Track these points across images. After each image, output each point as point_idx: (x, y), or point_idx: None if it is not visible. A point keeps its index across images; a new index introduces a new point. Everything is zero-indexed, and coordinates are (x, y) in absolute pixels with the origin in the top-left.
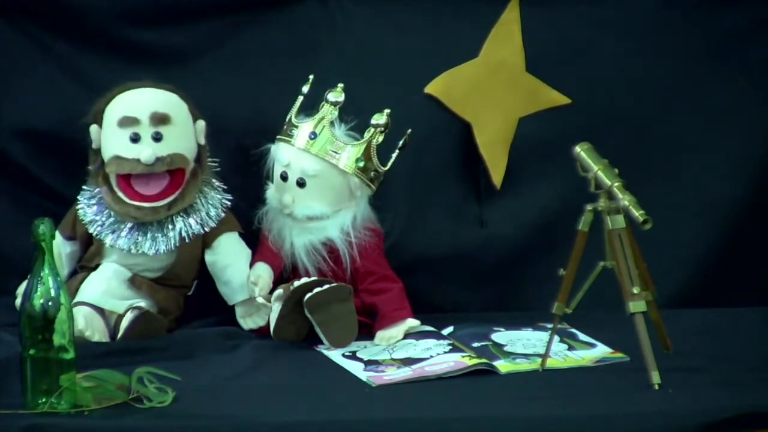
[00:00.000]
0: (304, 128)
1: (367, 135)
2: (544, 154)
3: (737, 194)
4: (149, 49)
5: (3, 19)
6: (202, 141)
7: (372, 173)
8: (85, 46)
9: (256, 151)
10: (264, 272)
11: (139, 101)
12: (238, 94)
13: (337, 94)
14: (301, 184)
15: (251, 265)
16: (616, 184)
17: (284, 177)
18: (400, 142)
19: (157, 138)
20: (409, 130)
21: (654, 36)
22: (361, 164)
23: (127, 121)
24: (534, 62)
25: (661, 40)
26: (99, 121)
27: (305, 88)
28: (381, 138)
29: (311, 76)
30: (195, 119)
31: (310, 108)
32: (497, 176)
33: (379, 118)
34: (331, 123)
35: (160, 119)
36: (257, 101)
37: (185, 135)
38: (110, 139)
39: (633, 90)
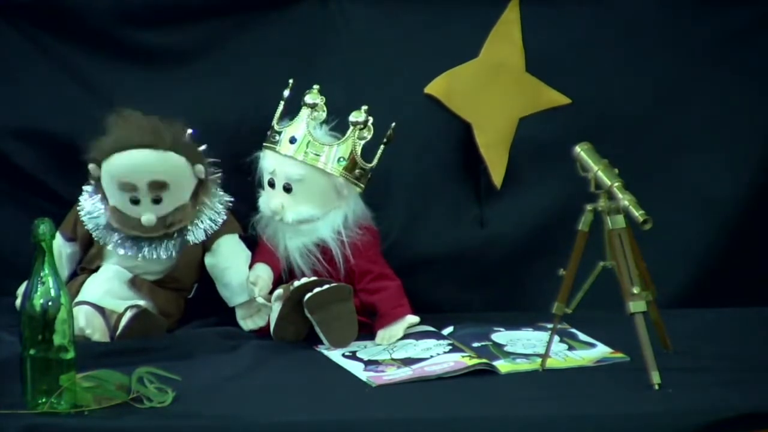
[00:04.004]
0: (285, 133)
1: (347, 133)
2: (544, 154)
3: (737, 194)
4: (150, 49)
5: (3, 20)
6: (202, 177)
7: (357, 171)
8: (86, 47)
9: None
10: (263, 273)
11: (136, 169)
12: (238, 95)
13: (313, 96)
14: (287, 189)
15: (251, 266)
16: (616, 184)
17: (272, 184)
18: (385, 138)
19: (157, 200)
20: (393, 124)
21: (654, 36)
22: (344, 163)
23: (125, 187)
24: (534, 62)
25: (661, 40)
26: (98, 164)
27: (286, 92)
28: (368, 135)
29: (291, 81)
30: (194, 164)
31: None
32: (497, 176)
33: (358, 116)
34: (310, 125)
35: (158, 186)
36: (257, 102)
37: (184, 190)
38: (110, 191)
39: (633, 90)
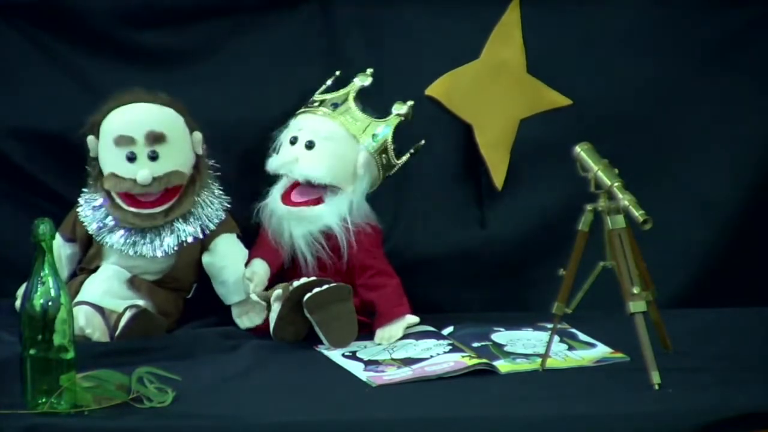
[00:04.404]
0: (327, 100)
1: (389, 117)
2: (544, 155)
3: (737, 194)
4: (149, 50)
5: (3, 20)
6: (200, 152)
7: (383, 157)
8: (86, 48)
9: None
10: (260, 269)
11: (134, 119)
12: (237, 96)
13: (364, 78)
14: (309, 146)
15: (249, 260)
16: (616, 184)
17: (293, 141)
18: (413, 149)
19: (153, 157)
20: (423, 141)
21: (654, 36)
22: (377, 142)
23: (122, 141)
24: (535, 63)
25: (661, 40)
26: (96, 133)
27: (329, 81)
28: (392, 155)
29: (338, 72)
30: (191, 131)
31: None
32: (498, 177)
33: (400, 108)
34: (355, 98)
35: (155, 138)
36: (257, 103)
37: (181, 151)
38: (107, 155)
39: (633, 90)
